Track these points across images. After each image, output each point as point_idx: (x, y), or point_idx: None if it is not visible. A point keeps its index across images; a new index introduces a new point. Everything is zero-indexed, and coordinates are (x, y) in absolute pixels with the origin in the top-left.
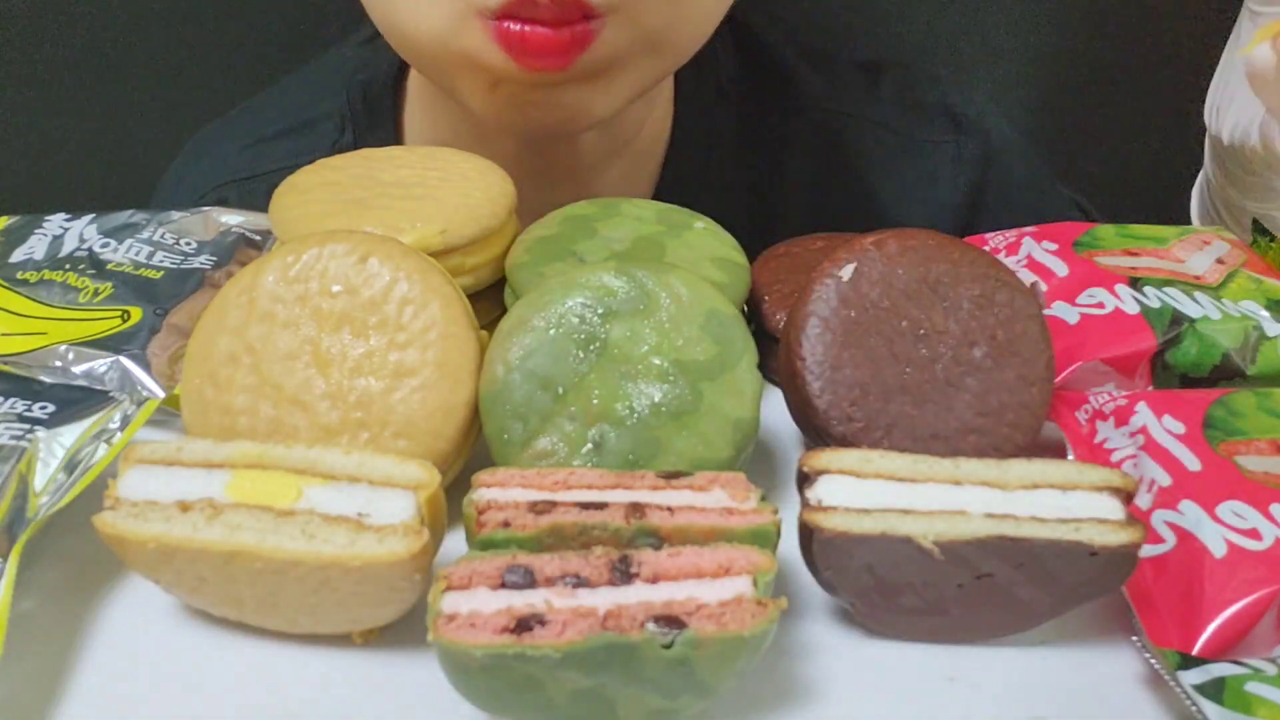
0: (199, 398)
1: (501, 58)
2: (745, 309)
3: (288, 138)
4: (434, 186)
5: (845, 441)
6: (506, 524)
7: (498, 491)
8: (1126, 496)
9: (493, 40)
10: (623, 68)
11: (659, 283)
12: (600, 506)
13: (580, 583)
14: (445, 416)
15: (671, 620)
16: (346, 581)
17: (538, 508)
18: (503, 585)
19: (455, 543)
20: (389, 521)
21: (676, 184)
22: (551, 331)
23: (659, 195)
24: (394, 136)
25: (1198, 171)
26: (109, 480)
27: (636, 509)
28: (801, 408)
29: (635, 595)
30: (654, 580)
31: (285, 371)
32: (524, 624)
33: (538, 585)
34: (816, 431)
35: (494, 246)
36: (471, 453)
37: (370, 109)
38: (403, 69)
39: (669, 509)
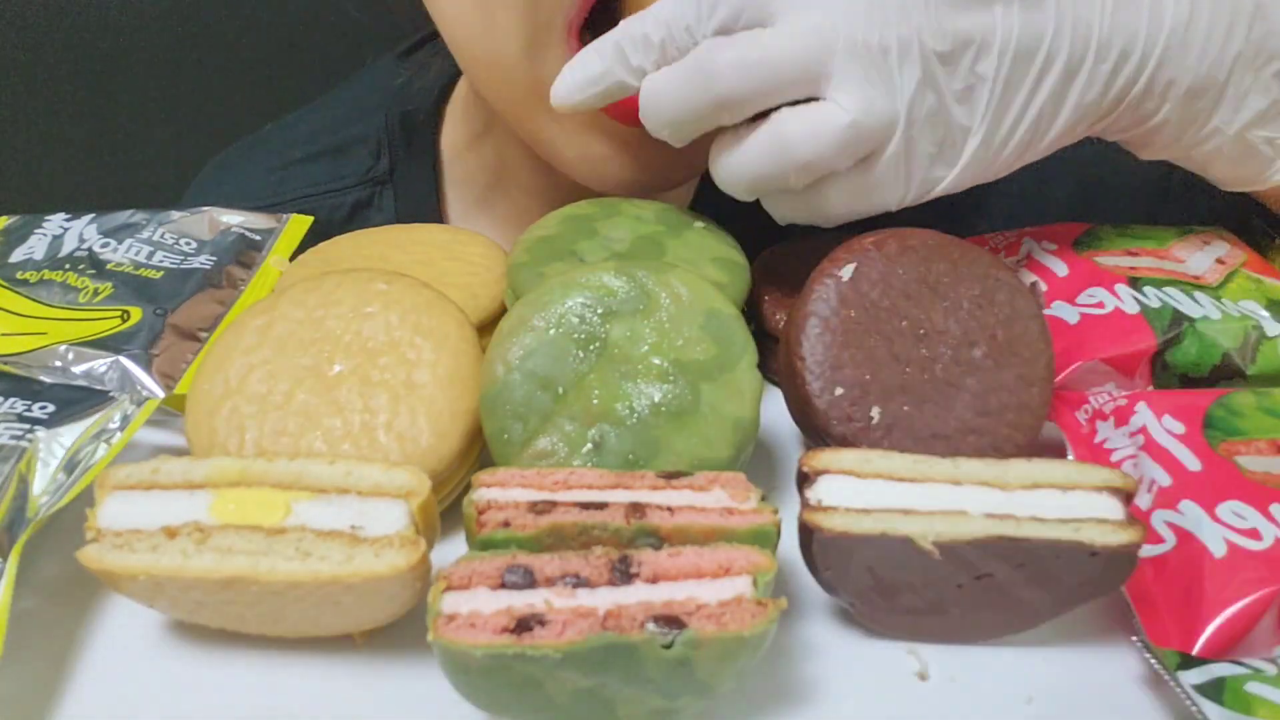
0: (208, 423)
1: None
2: (745, 309)
3: (318, 162)
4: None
5: (845, 441)
6: (506, 524)
7: (498, 491)
8: (1126, 496)
9: None
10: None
11: (659, 282)
12: (600, 506)
13: (580, 583)
14: (451, 422)
15: (671, 620)
16: (347, 596)
17: (538, 508)
18: (503, 585)
19: (455, 543)
20: (383, 533)
21: (712, 194)
22: (551, 331)
23: (695, 202)
24: (433, 164)
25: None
26: (86, 511)
27: (636, 509)
28: (801, 408)
29: (635, 595)
30: (654, 580)
31: (295, 390)
32: (524, 624)
33: (538, 585)
34: (816, 431)
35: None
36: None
37: (409, 134)
38: (445, 90)
39: (669, 509)
